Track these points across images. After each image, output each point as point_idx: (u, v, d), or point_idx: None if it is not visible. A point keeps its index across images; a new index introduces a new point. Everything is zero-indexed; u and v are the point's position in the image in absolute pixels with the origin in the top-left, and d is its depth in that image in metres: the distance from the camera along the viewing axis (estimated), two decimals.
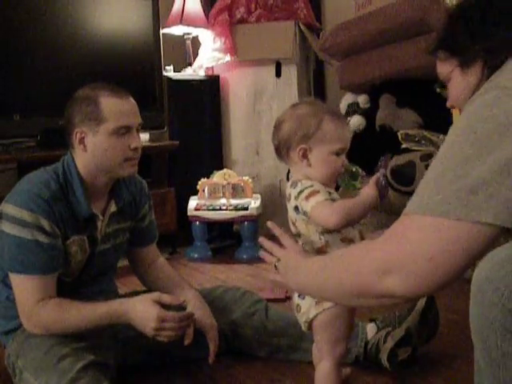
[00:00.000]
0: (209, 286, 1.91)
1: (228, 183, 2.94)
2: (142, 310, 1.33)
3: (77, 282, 1.47)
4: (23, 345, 1.36)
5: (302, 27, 3.27)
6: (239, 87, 3.35)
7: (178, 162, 3.12)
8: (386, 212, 2.58)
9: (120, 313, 1.35)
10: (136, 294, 1.63)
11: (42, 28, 2.63)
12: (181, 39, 3.29)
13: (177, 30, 3.23)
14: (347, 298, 0.95)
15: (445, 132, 2.63)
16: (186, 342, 1.39)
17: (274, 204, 3.27)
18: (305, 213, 1.17)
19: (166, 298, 1.36)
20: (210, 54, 3.27)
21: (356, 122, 2.83)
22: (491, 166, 0.78)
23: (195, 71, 3.28)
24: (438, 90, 1.17)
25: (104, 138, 1.37)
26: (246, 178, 2.99)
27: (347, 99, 3.01)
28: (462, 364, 1.51)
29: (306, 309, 1.20)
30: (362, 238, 1.24)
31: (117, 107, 1.38)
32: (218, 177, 2.98)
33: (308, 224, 1.19)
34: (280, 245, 1.20)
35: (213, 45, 3.26)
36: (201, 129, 3.25)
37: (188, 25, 3.18)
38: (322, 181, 1.20)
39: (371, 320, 1.57)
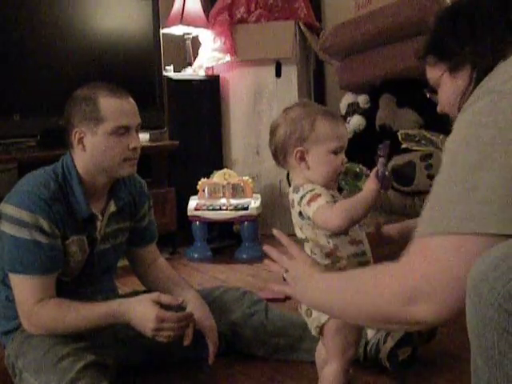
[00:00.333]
0: (209, 286, 1.91)
1: (228, 183, 2.94)
2: (141, 311, 1.33)
3: (76, 281, 1.47)
4: (23, 345, 1.36)
5: (302, 27, 3.27)
6: (239, 87, 3.35)
7: (178, 162, 3.12)
8: (385, 212, 2.58)
9: (119, 313, 1.35)
10: (136, 294, 1.63)
11: (41, 28, 2.63)
12: (181, 39, 3.29)
13: (177, 30, 3.23)
14: (365, 322, 0.93)
15: (445, 132, 2.63)
16: (186, 342, 1.39)
17: (273, 204, 3.27)
18: (309, 218, 1.16)
19: (165, 299, 1.36)
20: (210, 54, 3.27)
21: (356, 122, 2.83)
22: (500, 172, 0.77)
23: (195, 71, 3.28)
24: (427, 95, 1.16)
25: (103, 137, 1.37)
26: (246, 177, 2.99)
27: (347, 99, 3.01)
28: (463, 364, 1.51)
29: (317, 314, 1.19)
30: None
31: (116, 107, 1.38)
32: (217, 177, 2.98)
33: (315, 228, 1.18)
34: (282, 251, 1.19)
35: (213, 45, 3.26)
36: (201, 129, 3.25)
37: (188, 25, 3.18)
38: (323, 182, 1.19)
39: None
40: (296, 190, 1.19)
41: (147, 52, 2.99)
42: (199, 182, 2.97)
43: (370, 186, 1.15)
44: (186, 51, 3.29)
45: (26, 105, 2.57)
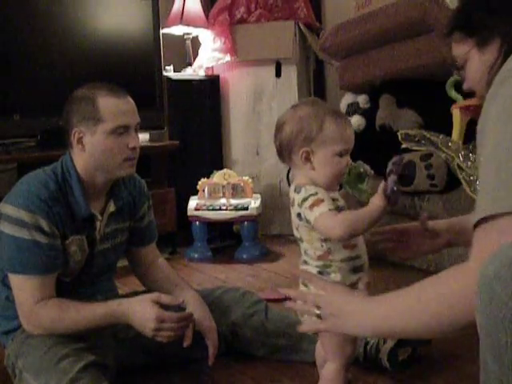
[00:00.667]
0: (209, 287, 1.91)
1: (228, 183, 2.94)
2: (140, 311, 1.33)
3: (76, 281, 1.47)
4: (23, 345, 1.36)
5: (302, 27, 3.27)
6: (239, 87, 3.35)
7: (178, 162, 3.12)
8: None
9: (119, 313, 1.35)
10: (136, 294, 1.63)
11: (41, 28, 2.63)
12: (181, 39, 3.29)
13: (177, 30, 3.23)
14: (444, 331, 0.90)
15: (445, 132, 2.63)
16: (185, 343, 1.39)
17: (274, 204, 3.27)
18: (308, 221, 1.15)
19: (165, 299, 1.36)
20: (210, 54, 3.27)
21: (356, 122, 2.83)
22: None
23: (195, 71, 3.28)
24: (454, 73, 1.13)
25: (102, 137, 1.37)
26: (246, 178, 2.99)
27: (347, 99, 3.01)
28: (463, 364, 1.51)
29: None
30: (366, 243, 1.23)
31: (115, 107, 1.38)
32: (218, 177, 2.98)
33: (311, 231, 1.17)
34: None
35: (213, 45, 3.26)
36: (201, 129, 3.25)
37: (188, 25, 3.18)
38: (327, 183, 1.18)
39: None
40: (298, 190, 1.18)
41: (147, 52, 2.99)
42: (199, 182, 2.97)
43: (376, 202, 1.12)
44: (185, 51, 3.29)
45: (26, 105, 2.57)
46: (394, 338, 1.04)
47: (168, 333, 1.33)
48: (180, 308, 1.44)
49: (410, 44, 2.62)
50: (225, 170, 3.04)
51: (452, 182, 2.24)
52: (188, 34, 3.27)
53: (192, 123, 3.21)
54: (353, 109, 2.93)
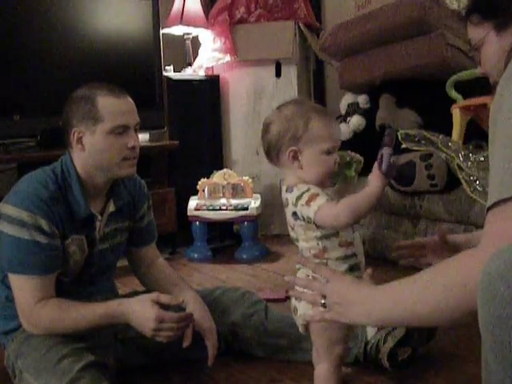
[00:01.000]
0: (209, 287, 1.91)
1: (228, 183, 2.94)
2: (140, 311, 1.33)
3: (75, 281, 1.47)
4: (23, 345, 1.36)
5: (302, 27, 3.27)
6: (239, 87, 3.35)
7: (178, 162, 3.12)
8: (385, 212, 2.58)
9: (119, 313, 1.35)
10: (136, 294, 1.62)
11: (42, 28, 2.63)
12: (181, 39, 3.29)
13: (177, 30, 3.23)
14: (451, 319, 0.89)
15: (445, 132, 2.62)
16: (185, 343, 1.39)
17: (273, 204, 3.27)
18: (306, 218, 1.14)
19: (165, 298, 1.36)
20: (210, 54, 3.27)
21: (356, 122, 2.83)
22: None
23: (195, 71, 3.28)
24: (470, 54, 1.12)
25: (101, 137, 1.37)
26: (245, 178, 2.99)
27: (347, 99, 3.01)
28: (462, 364, 1.51)
29: (302, 311, 1.18)
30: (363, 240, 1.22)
31: (114, 106, 1.38)
32: (217, 177, 2.98)
33: (307, 230, 1.17)
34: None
35: (213, 45, 3.26)
36: (201, 129, 3.25)
37: (188, 25, 3.18)
38: (316, 181, 1.18)
39: None
40: (290, 190, 1.18)
41: (147, 52, 2.99)
42: (199, 182, 2.97)
43: (374, 181, 1.12)
44: (185, 51, 3.29)
45: (26, 105, 2.58)
46: (401, 325, 1.02)
47: (168, 333, 1.33)
48: (180, 308, 1.44)
49: (410, 44, 2.62)
50: (225, 170, 3.03)
51: (452, 182, 2.24)
52: (188, 33, 3.27)
53: (192, 123, 3.21)
54: (353, 109, 2.93)
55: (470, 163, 2.08)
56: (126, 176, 1.47)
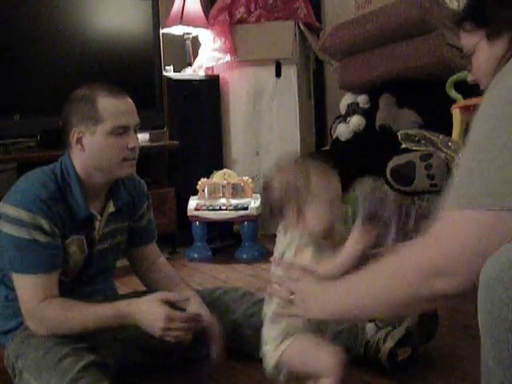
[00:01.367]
0: (209, 286, 1.91)
1: (228, 183, 2.94)
2: (149, 310, 1.33)
3: (75, 281, 1.47)
4: (23, 345, 1.36)
5: (302, 27, 3.27)
6: (239, 87, 3.35)
7: (178, 161, 3.12)
8: None
9: (127, 313, 1.34)
10: (136, 293, 1.63)
11: (41, 28, 2.63)
12: (181, 39, 3.29)
13: (177, 30, 3.23)
14: (393, 308, 0.93)
15: (445, 132, 2.63)
16: (185, 343, 1.39)
17: None
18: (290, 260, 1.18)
19: (173, 296, 1.36)
20: (210, 54, 3.27)
21: (356, 122, 2.83)
22: None
23: (195, 71, 3.28)
24: (461, 58, 1.13)
25: (101, 137, 1.38)
26: (245, 177, 2.99)
27: (347, 99, 3.01)
28: (462, 364, 1.51)
29: (272, 347, 1.20)
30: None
31: (114, 107, 1.38)
32: (217, 177, 2.98)
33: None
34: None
35: (213, 45, 3.26)
36: (201, 129, 3.25)
37: (188, 25, 3.18)
38: (319, 234, 1.20)
39: (371, 320, 1.57)
40: (284, 233, 1.22)
41: (147, 52, 2.99)
42: (199, 182, 2.97)
43: (351, 246, 1.12)
44: (185, 51, 3.29)
45: (26, 105, 2.58)
46: (355, 319, 1.05)
47: (177, 332, 1.33)
48: (181, 308, 1.44)
49: (410, 44, 2.62)
50: (225, 170, 3.03)
51: None
52: (188, 34, 3.27)
53: (192, 123, 3.21)
54: (353, 109, 2.93)
55: None
56: (125, 176, 1.47)
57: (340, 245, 1.15)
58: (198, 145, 3.23)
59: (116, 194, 1.50)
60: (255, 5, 3.28)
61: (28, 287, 1.34)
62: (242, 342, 1.60)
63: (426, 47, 2.54)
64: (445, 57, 2.49)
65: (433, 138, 2.25)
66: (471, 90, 2.33)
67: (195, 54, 3.34)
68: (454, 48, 2.48)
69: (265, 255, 2.87)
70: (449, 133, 2.32)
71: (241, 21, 3.27)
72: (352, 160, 2.69)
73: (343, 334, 1.51)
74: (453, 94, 2.39)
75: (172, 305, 1.38)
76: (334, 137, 3.02)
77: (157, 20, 3.01)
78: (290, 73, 3.27)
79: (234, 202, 2.90)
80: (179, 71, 3.24)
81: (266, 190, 1.25)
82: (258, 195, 2.99)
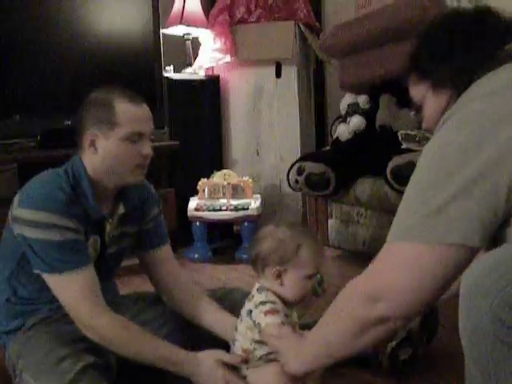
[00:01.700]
0: (209, 287, 1.91)
1: (228, 183, 2.94)
2: (206, 372, 1.30)
3: None
4: (25, 345, 1.35)
5: (302, 27, 3.27)
6: (239, 87, 3.35)
7: (179, 162, 3.12)
8: (385, 212, 2.58)
9: (182, 363, 1.32)
10: (136, 294, 1.62)
11: (41, 28, 2.63)
12: (181, 39, 3.29)
13: (177, 30, 3.23)
14: (354, 340, 0.96)
15: None
16: None
17: (273, 204, 3.27)
18: (257, 324, 1.21)
19: (229, 359, 1.31)
20: (210, 54, 3.27)
21: (356, 122, 2.83)
22: (452, 189, 0.82)
23: (195, 71, 3.28)
24: (412, 114, 1.19)
25: (116, 142, 1.36)
26: (246, 178, 2.99)
27: (347, 99, 3.01)
28: (462, 364, 1.51)
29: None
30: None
31: (132, 113, 1.37)
32: (218, 177, 2.98)
33: (248, 329, 1.23)
34: None
35: (213, 45, 3.26)
36: (201, 129, 3.25)
37: (188, 25, 3.18)
38: (292, 300, 1.24)
39: None
40: (260, 291, 1.24)
41: (147, 52, 2.99)
42: (199, 183, 2.97)
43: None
44: (186, 51, 3.29)
45: (26, 105, 2.58)
46: (334, 361, 1.09)
47: None
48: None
49: (410, 44, 2.61)
50: (225, 171, 3.04)
51: None
52: (188, 34, 3.27)
53: (192, 123, 3.21)
54: (353, 109, 2.93)
55: None
56: (134, 183, 1.45)
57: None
58: (198, 145, 3.23)
59: (125, 197, 1.47)
60: (255, 5, 3.28)
61: (72, 284, 1.31)
62: None
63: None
64: None
65: None
66: None
67: (195, 55, 3.34)
68: None
69: None
70: None
71: (241, 21, 3.28)
72: (352, 160, 2.69)
73: None
74: None
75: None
76: (334, 137, 3.02)
77: (157, 20, 3.01)
78: (290, 73, 3.27)
79: (234, 202, 2.90)
80: (179, 71, 3.24)
81: (256, 243, 1.27)
82: (258, 195, 2.99)
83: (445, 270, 0.83)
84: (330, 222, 2.88)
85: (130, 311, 1.51)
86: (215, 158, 3.31)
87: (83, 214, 1.36)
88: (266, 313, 1.19)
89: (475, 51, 0.98)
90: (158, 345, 1.34)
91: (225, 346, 1.58)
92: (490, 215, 0.81)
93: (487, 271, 0.77)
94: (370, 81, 2.84)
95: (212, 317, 1.46)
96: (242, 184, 2.95)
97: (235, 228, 3.05)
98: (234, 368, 1.30)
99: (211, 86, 3.30)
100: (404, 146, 2.33)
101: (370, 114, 2.82)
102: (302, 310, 1.38)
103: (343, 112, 3.00)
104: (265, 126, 3.29)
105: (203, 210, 2.88)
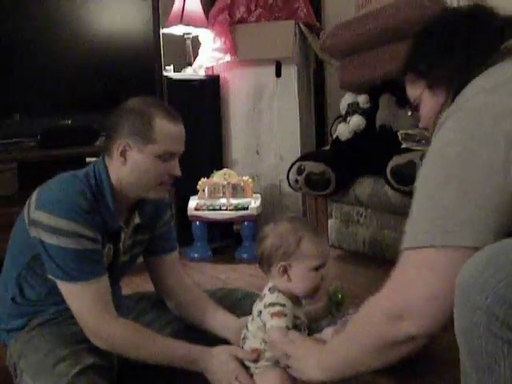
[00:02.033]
0: (209, 287, 1.91)
1: (228, 183, 2.94)
2: (219, 365, 1.29)
3: None
4: (27, 345, 1.35)
5: (302, 27, 3.27)
6: (239, 87, 3.35)
7: (178, 161, 3.11)
8: (385, 212, 2.58)
9: (196, 359, 1.32)
10: (137, 294, 1.62)
11: (42, 28, 2.63)
12: (181, 39, 3.29)
13: (177, 30, 3.23)
14: (374, 357, 0.97)
15: None
16: None
17: (273, 204, 3.27)
18: (264, 323, 1.21)
19: (243, 354, 1.30)
20: (210, 54, 3.27)
21: (356, 121, 2.83)
22: (456, 191, 0.82)
23: (195, 71, 3.28)
24: (409, 113, 1.19)
25: (149, 158, 1.34)
26: (246, 177, 2.99)
27: (347, 99, 3.01)
28: None
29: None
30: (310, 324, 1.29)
31: (170, 132, 1.37)
32: (218, 177, 2.98)
33: (259, 329, 1.23)
34: None
35: (213, 45, 3.26)
36: (201, 129, 3.24)
37: (188, 25, 3.18)
38: (302, 294, 1.25)
39: None
40: (272, 291, 1.24)
41: (147, 52, 2.99)
42: (199, 182, 2.97)
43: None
44: (186, 51, 3.29)
45: (26, 105, 2.58)
46: (350, 376, 1.10)
47: None
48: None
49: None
50: (225, 170, 3.04)
51: None
52: (188, 33, 3.27)
53: (192, 123, 3.20)
54: (353, 109, 2.93)
55: None
56: (156, 198, 1.44)
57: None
58: (198, 144, 3.22)
59: (141, 207, 1.46)
60: (255, 5, 3.28)
61: (85, 295, 1.30)
62: None
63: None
64: None
65: None
66: None
67: (195, 54, 3.34)
68: None
69: None
70: None
71: (241, 21, 3.27)
72: (352, 160, 2.69)
73: None
74: None
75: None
76: (334, 137, 3.02)
77: (157, 20, 3.01)
78: (290, 73, 3.27)
79: (234, 201, 2.90)
80: (179, 71, 3.24)
81: (259, 243, 1.28)
82: (258, 195, 2.99)
83: None
84: (330, 221, 2.88)
85: (132, 312, 1.51)
86: (215, 158, 3.31)
87: (101, 223, 1.34)
88: (273, 315, 1.19)
89: (471, 50, 0.98)
90: (172, 345, 1.33)
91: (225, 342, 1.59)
92: (501, 215, 0.81)
93: (481, 267, 0.77)
94: (370, 80, 2.84)
95: (220, 322, 1.45)
96: (241, 184, 2.95)
97: (235, 227, 3.05)
98: (243, 366, 1.30)
99: (211, 85, 3.30)
100: (404, 145, 2.33)
101: (370, 114, 2.82)
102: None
103: (343, 112, 3.00)
104: (265, 125, 3.29)
105: (203, 210, 2.88)
